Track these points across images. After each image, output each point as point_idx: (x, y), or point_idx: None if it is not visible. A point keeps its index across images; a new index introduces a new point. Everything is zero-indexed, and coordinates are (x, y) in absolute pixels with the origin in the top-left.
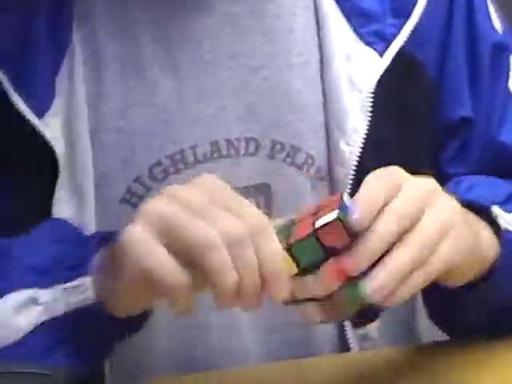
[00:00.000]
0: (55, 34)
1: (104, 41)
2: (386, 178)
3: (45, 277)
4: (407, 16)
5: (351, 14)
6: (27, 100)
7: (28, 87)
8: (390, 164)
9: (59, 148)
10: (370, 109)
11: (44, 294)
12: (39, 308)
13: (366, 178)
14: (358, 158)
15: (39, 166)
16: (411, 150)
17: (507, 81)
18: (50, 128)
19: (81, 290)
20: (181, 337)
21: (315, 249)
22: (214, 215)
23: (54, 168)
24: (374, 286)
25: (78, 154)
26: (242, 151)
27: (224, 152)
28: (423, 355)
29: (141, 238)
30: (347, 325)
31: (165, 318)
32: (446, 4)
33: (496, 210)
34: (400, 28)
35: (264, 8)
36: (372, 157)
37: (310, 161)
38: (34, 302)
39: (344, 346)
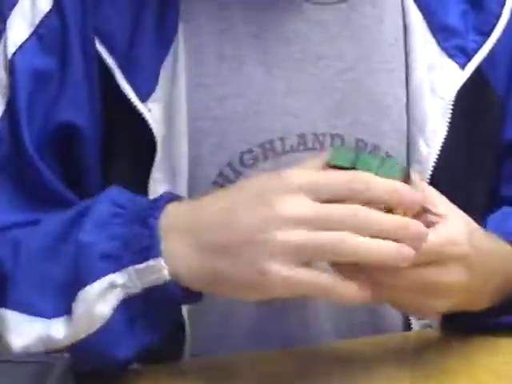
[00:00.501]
0: (163, 28)
1: (206, 38)
2: None
3: (117, 261)
4: (488, 34)
5: (436, 28)
6: (133, 84)
7: (134, 73)
8: (459, 171)
9: (158, 131)
10: (450, 115)
11: (120, 277)
12: (118, 290)
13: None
14: (435, 160)
15: (139, 146)
16: (477, 162)
17: None
18: (152, 112)
19: (153, 271)
20: (260, 313)
21: None
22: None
23: (153, 149)
24: None
25: (176, 137)
26: (328, 146)
27: (310, 145)
28: None
29: (288, 274)
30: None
31: None
32: None
33: None
34: (481, 44)
35: (350, 17)
36: (448, 160)
37: None
38: (113, 286)
39: None
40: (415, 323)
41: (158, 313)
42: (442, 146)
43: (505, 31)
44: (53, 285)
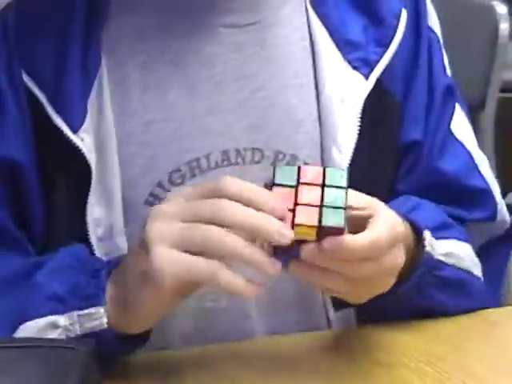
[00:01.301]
0: (87, 62)
1: (128, 69)
2: None
3: (63, 304)
4: (387, 46)
5: (341, 42)
6: (63, 117)
7: (64, 107)
8: (369, 173)
9: (92, 158)
10: (359, 123)
11: (62, 319)
12: (59, 330)
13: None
14: (348, 165)
15: (75, 173)
16: (381, 163)
17: (450, 122)
18: (84, 141)
19: (94, 317)
20: (194, 319)
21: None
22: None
23: (88, 176)
24: None
25: (107, 163)
26: (249, 159)
27: (233, 160)
28: None
29: (170, 258)
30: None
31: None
32: (413, 46)
33: (427, 235)
34: (381, 56)
35: (262, 38)
36: (359, 164)
37: None
38: (54, 326)
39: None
40: (333, 317)
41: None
42: (353, 152)
43: (400, 44)
44: (3, 320)
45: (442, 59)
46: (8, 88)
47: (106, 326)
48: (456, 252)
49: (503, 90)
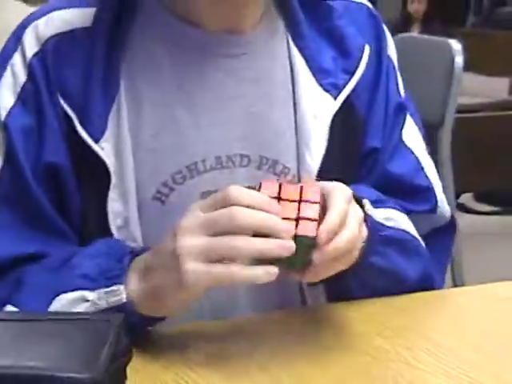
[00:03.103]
0: (108, 85)
1: (141, 90)
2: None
3: (92, 283)
4: (353, 73)
5: (315, 69)
6: (88, 130)
7: (89, 121)
8: (336, 171)
9: (110, 163)
10: (327, 134)
11: (91, 295)
12: (87, 304)
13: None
14: (319, 168)
15: (97, 175)
16: (347, 165)
17: (401, 130)
18: (104, 150)
19: (117, 294)
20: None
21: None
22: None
23: (107, 176)
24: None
25: (124, 166)
26: (238, 164)
27: (224, 164)
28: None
29: (199, 272)
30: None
31: None
32: (375, 72)
33: (366, 203)
34: (348, 81)
35: (252, 65)
36: (327, 168)
37: (286, 170)
38: (83, 299)
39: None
40: (309, 296)
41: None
42: (322, 158)
43: (364, 71)
44: (43, 292)
45: (397, 81)
46: (49, 107)
47: (125, 300)
48: (393, 216)
49: (458, 112)
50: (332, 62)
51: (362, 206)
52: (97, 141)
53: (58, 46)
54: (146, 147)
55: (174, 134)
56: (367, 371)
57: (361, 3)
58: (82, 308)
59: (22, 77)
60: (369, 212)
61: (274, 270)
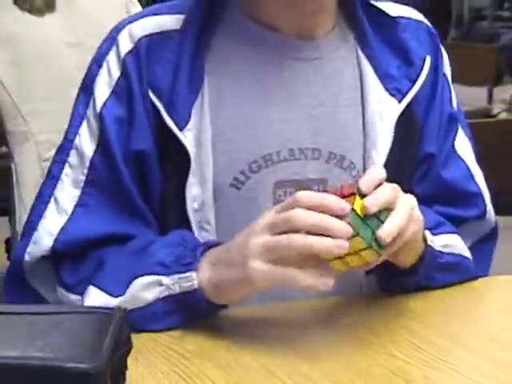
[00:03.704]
0: (193, 80)
1: (223, 85)
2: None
3: (167, 269)
4: (415, 81)
5: (382, 75)
6: (174, 120)
7: (175, 112)
8: (396, 171)
9: (192, 150)
10: (393, 134)
11: (166, 279)
12: (162, 288)
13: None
14: (384, 163)
15: (179, 161)
16: (405, 166)
17: (454, 140)
18: (187, 138)
19: (189, 280)
20: None
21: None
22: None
23: (188, 163)
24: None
25: (203, 154)
26: (309, 156)
27: (297, 156)
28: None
29: (261, 271)
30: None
31: None
32: (432, 84)
33: (427, 234)
34: (410, 87)
35: (322, 69)
36: (391, 164)
37: (352, 165)
38: (158, 283)
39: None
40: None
41: (189, 311)
42: (387, 154)
43: (424, 81)
44: (123, 275)
45: (450, 93)
46: (139, 100)
47: (196, 286)
48: (450, 243)
49: None
50: (397, 70)
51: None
52: (181, 129)
53: (149, 44)
54: (225, 138)
55: (251, 126)
56: (353, 362)
57: (422, 21)
58: (155, 292)
59: (117, 72)
60: (430, 243)
61: (331, 282)
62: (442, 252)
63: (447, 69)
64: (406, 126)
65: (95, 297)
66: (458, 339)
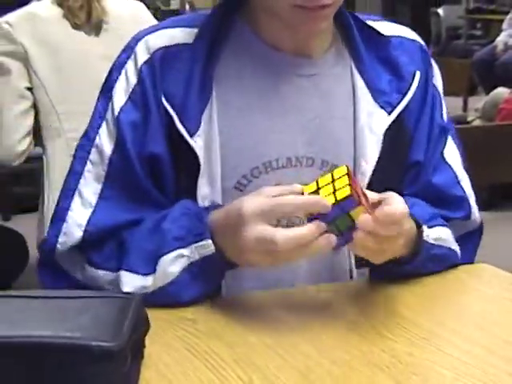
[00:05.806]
0: (203, 91)
1: (230, 96)
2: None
3: (184, 241)
4: (404, 94)
5: (373, 89)
6: (185, 126)
7: (186, 119)
8: (385, 177)
9: (201, 155)
10: (381, 144)
11: (186, 251)
12: (184, 259)
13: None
14: (371, 172)
15: (189, 164)
16: (395, 172)
17: (443, 149)
18: (197, 143)
19: (206, 246)
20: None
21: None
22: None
23: (198, 166)
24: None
25: (212, 158)
26: (304, 164)
27: (294, 164)
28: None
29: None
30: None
31: None
32: (422, 96)
33: (425, 228)
34: (400, 100)
35: (319, 84)
36: (379, 173)
37: None
38: (180, 256)
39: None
40: (355, 273)
41: (209, 274)
42: (375, 164)
43: (414, 94)
44: (147, 256)
45: (441, 107)
46: (154, 106)
47: (214, 250)
48: (442, 236)
49: None
50: (388, 84)
51: (419, 226)
52: (192, 135)
53: (164, 56)
54: (230, 145)
55: (254, 135)
56: (346, 341)
57: (415, 40)
58: (180, 263)
59: (134, 80)
60: (426, 238)
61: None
62: (433, 244)
63: (438, 81)
64: (395, 136)
65: (129, 279)
66: (442, 322)
